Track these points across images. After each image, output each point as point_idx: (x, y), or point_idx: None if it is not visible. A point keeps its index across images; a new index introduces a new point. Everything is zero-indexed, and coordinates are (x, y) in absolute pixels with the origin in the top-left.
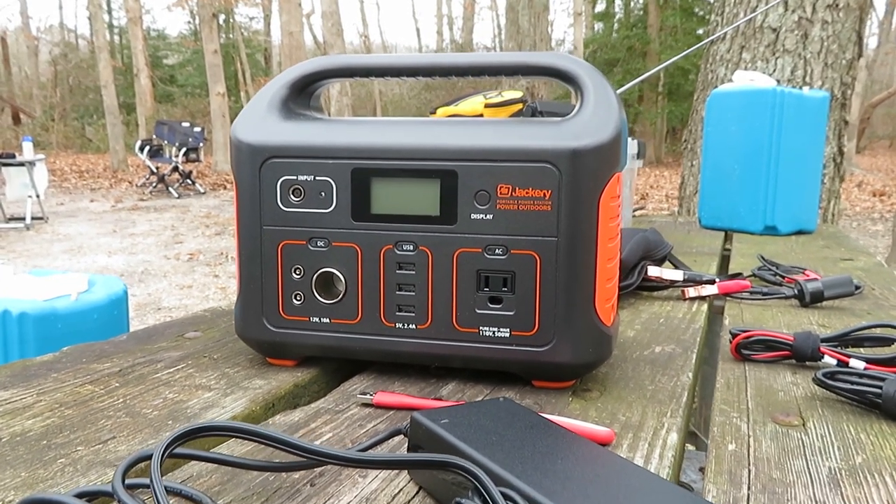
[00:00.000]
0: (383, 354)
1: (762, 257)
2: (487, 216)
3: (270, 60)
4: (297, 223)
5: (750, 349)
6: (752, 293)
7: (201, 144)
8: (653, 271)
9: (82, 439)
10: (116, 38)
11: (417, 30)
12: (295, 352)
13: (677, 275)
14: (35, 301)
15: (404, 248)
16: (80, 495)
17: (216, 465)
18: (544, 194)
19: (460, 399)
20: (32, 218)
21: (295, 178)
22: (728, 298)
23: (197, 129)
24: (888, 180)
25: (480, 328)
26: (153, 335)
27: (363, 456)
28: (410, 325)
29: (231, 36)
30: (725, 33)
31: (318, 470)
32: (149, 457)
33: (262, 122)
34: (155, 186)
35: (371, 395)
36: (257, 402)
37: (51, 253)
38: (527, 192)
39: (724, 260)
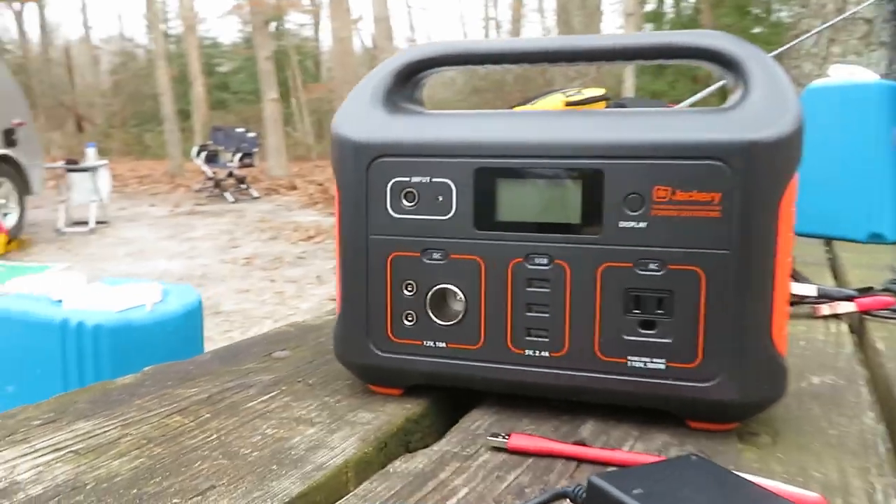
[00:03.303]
0: (509, 385)
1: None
2: (640, 224)
3: (319, 67)
4: (409, 232)
5: None
6: (894, 311)
7: (255, 150)
8: None
9: (177, 489)
10: (172, 47)
11: (465, 34)
12: (404, 379)
13: (810, 290)
14: (109, 312)
15: (537, 262)
16: None
17: None
18: (712, 198)
19: (606, 444)
20: (96, 222)
21: (408, 179)
22: (867, 317)
23: (251, 135)
24: None
25: (629, 358)
26: (238, 354)
27: None
28: (543, 353)
29: (282, 42)
30: (819, 30)
31: None
32: None
33: (367, 116)
34: (211, 191)
35: (504, 437)
36: (368, 441)
37: (115, 256)
38: (690, 196)
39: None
